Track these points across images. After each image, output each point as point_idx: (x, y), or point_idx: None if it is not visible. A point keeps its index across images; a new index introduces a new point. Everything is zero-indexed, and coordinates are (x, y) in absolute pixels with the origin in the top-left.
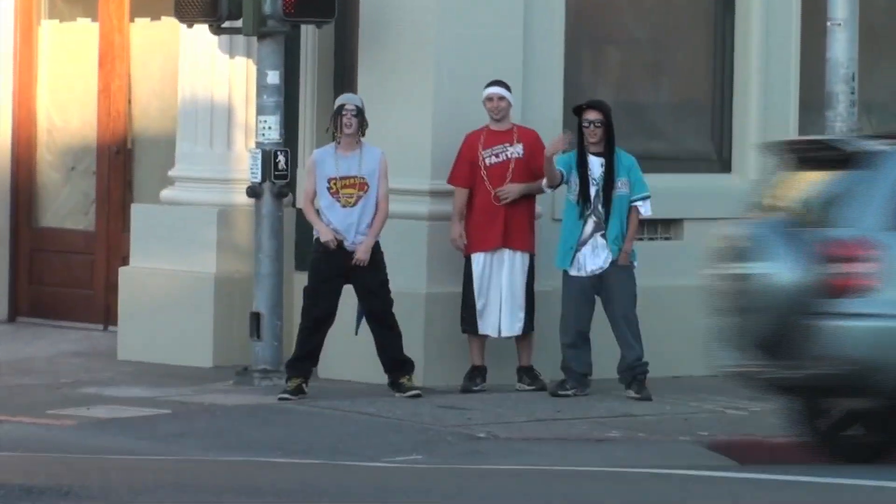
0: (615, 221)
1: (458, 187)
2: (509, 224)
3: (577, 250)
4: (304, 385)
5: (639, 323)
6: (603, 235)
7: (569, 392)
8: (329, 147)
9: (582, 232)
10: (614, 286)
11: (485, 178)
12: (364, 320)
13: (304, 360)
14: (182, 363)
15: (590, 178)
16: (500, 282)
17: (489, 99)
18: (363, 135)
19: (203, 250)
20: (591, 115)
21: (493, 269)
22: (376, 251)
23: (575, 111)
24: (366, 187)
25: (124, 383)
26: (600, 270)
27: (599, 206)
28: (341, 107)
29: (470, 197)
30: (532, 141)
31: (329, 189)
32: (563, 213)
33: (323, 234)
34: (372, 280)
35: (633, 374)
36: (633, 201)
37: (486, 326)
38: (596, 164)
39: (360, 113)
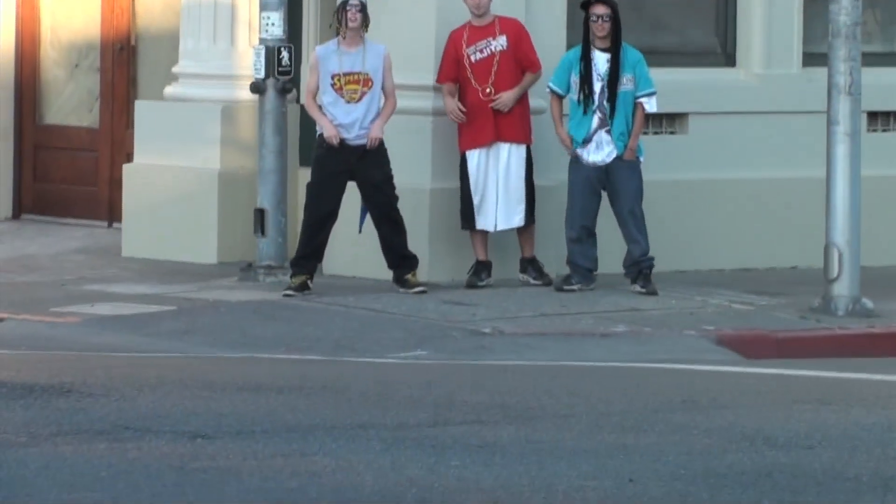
0: (620, 117)
1: (446, 84)
2: (501, 117)
3: (582, 146)
4: (308, 281)
5: (644, 218)
6: (608, 131)
7: (574, 287)
8: (332, 43)
9: (588, 128)
10: (620, 181)
11: (470, 76)
12: (368, 216)
13: (309, 257)
14: (186, 260)
15: (594, 74)
16: (497, 176)
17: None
18: (366, 30)
19: (207, 147)
20: (600, 10)
21: (488, 164)
22: (381, 147)
23: (582, 5)
24: (370, 83)
25: (128, 280)
26: (603, 164)
27: (604, 102)
28: (346, 2)
29: (460, 94)
30: (515, 31)
31: (333, 85)
32: (569, 108)
33: (326, 129)
34: (376, 175)
35: (639, 268)
36: (638, 97)
37: (484, 221)
38: (601, 60)
39: (363, 8)
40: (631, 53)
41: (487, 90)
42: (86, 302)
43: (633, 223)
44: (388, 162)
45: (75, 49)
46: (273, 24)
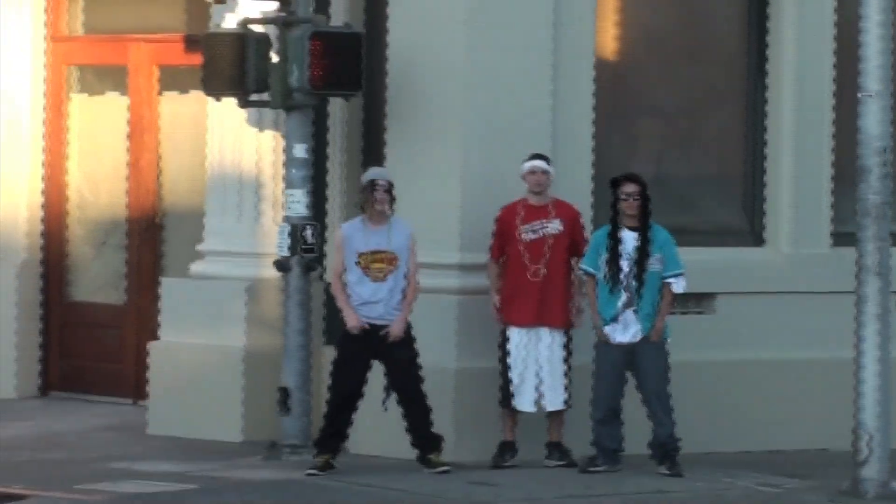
0: (647, 297)
1: (493, 261)
2: (545, 301)
3: (609, 326)
4: (332, 461)
5: (671, 399)
6: (634, 311)
7: (599, 468)
8: (357, 221)
9: (615, 307)
10: (646, 362)
11: (523, 254)
12: (393, 395)
13: (333, 436)
14: (212, 438)
15: (622, 253)
16: (538, 356)
17: (531, 172)
18: (393, 209)
19: (232, 324)
20: (629, 188)
21: (529, 344)
22: (407, 327)
23: (611, 184)
24: (396, 262)
25: (154, 458)
26: (630, 345)
27: (632, 281)
28: (373, 182)
29: (507, 270)
30: (571, 217)
31: (359, 264)
32: (597, 287)
33: (349, 319)
34: (402, 355)
35: (665, 450)
36: (665, 278)
37: (523, 402)
38: (630, 239)
39: (390, 187)
40: (660, 233)
41: (539, 271)
42: (111, 480)
43: (658, 405)
44: (414, 343)
45: (102, 227)
46: (297, 202)
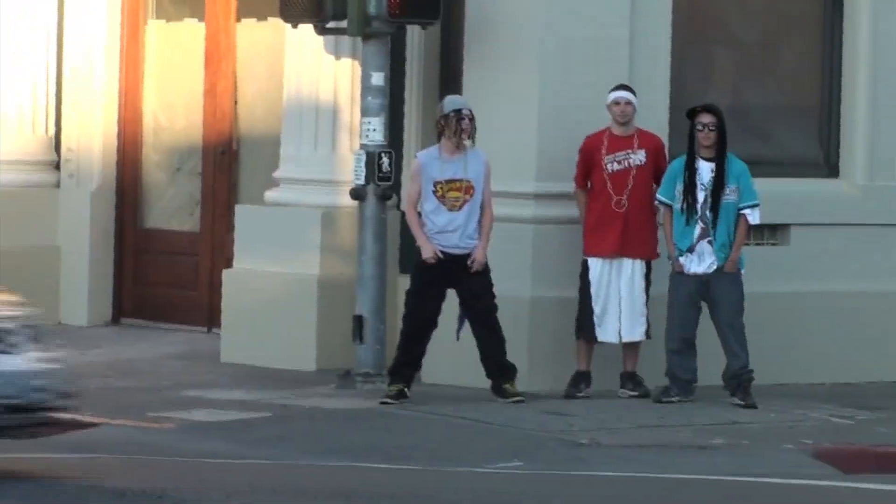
0: (722, 228)
1: (580, 190)
2: (628, 231)
3: (685, 256)
4: (406, 390)
5: (745, 330)
6: (709, 241)
7: (673, 399)
8: (433, 150)
9: (691, 238)
10: (720, 293)
11: (607, 184)
12: (466, 324)
13: (407, 365)
14: (285, 366)
15: (698, 184)
16: (619, 287)
17: (616, 103)
18: (473, 142)
19: (307, 252)
20: (706, 119)
21: (611, 275)
22: (485, 270)
23: (688, 114)
24: (472, 191)
25: (226, 386)
26: (704, 276)
27: (707, 212)
28: (459, 111)
29: (591, 198)
30: (655, 147)
31: (435, 193)
32: (673, 217)
33: (425, 249)
34: (477, 284)
35: (739, 381)
36: (741, 209)
37: (605, 333)
38: (706, 170)
39: (473, 118)
40: (735, 164)
41: (622, 202)
42: (182, 408)
43: (733, 336)
44: (489, 271)
45: (177, 152)
46: (374, 130)
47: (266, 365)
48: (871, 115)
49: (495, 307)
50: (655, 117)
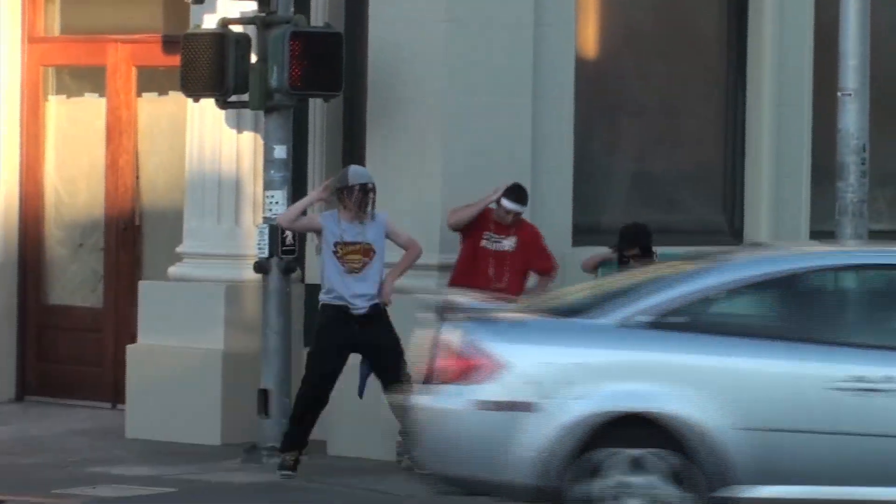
0: None
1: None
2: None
3: None
4: (299, 457)
5: None
6: None
7: None
8: (333, 213)
9: None
10: None
11: (490, 257)
12: (367, 383)
13: (303, 433)
14: (191, 441)
15: None
16: None
17: (507, 212)
18: (372, 216)
19: (211, 327)
20: (632, 252)
21: None
22: (384, 314)
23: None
24: (371, 254)
25: (131, 462)
26: None
27: None
28: (364, 185)
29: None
30: (527, 237)
31: (335, 253)
32: None
33: (313, 195)
34: (384, 337)
35: None
36: None
37: None
38: None
39: (375, 190)
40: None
41: (500, 279)
42: (88, 484)
43: None
44: (392, 325)
45: (79, 228)
46: (277, 203)
47: (171, 440)
48: (773, 182)
49: (405, 363)
50: (560, 186)
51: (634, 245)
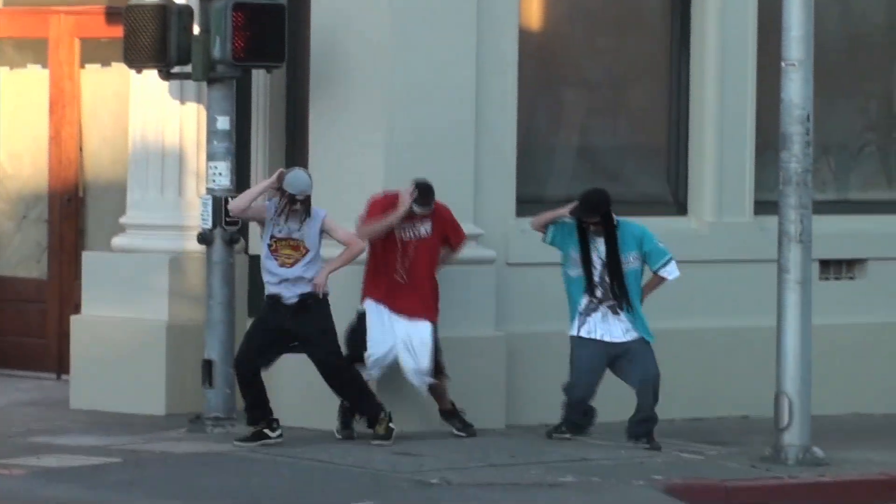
0: (632, 296)
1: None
2: (407, 295)
3: (587, 316)
4: (266, 431)
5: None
6: (610, 307)
7: (566, 436)
8: (277, 201)
9: (591, 302)
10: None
11: (398, 246)
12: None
13: (255, 407)
14: (135, 411)
15: (595, 257)
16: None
17: (415, 211)
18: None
19: (155, 298)
20: (592, 219)
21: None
22: (319, 302)
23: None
24: (303, 250)
25: (76, 432)
26: (613, 342)
27: (606, 278)
28: (293, 196)
29: (377, 248)
30: (441, 219)
31: (269, 246)
32: (568, 287)
33: (265, 183)
34: (311, 329)
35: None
36: (656, 271)
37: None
38: (599, 240)
39: (307, 200)
40: (630, 229)
41: (405, 267)
42: (32, 454)
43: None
44: (326, 316)
45: (23, 200)
46: (220, 174)
47: (116, 410)
48: (718, 153)
49: (335, 352)
50: (503, 160)
51: (595, 213)
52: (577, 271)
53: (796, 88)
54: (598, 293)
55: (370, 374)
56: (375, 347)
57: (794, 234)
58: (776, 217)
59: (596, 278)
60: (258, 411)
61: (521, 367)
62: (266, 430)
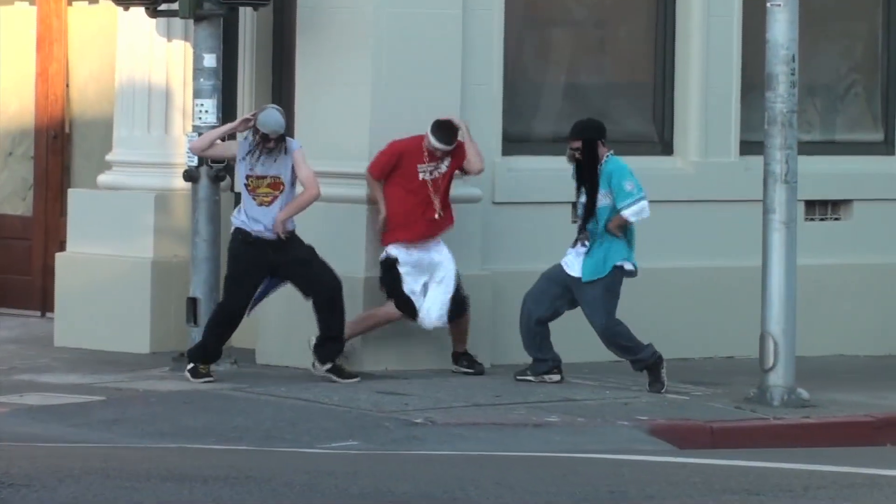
0: (598, 231)
1: (376, 181)
2: (436, 224)
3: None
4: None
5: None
6: (584, 244)
7: (530, 378)
8: (249, 141)
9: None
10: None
11: (428, 185)
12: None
13: (214, 354)
14: (119, 349)
15: (579, 192)
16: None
17: (435, 149)
18: (285, 150)
19: (140, 235)
20: (574, 144)
21: (420, 263)
22: (294, 236)
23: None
24: (281, 186)
25: (60, 370)
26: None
27: (579, 212)
28: (265, 135)
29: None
30: (459, 158)
31: (247, 186)
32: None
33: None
34: (303, 254)
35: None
36: (619, 209)
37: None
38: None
39: (281, 138)
40: (608, 165)
41: (437, 203)
42: (15, 392)
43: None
44: (304, 244)
45: (9, 137)
46: (207, 112)
47: (100, 348)
48: (703, 93)
49: (337, 287)
50: (490, 98)
51: (576, 136)
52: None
53: (782, 28)
54: (578, 229)
55: (440, 322)
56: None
57: (780, 175)
58: (762, 157)
59: (579, 213)
60: (217, 351)
61: (506, 306)
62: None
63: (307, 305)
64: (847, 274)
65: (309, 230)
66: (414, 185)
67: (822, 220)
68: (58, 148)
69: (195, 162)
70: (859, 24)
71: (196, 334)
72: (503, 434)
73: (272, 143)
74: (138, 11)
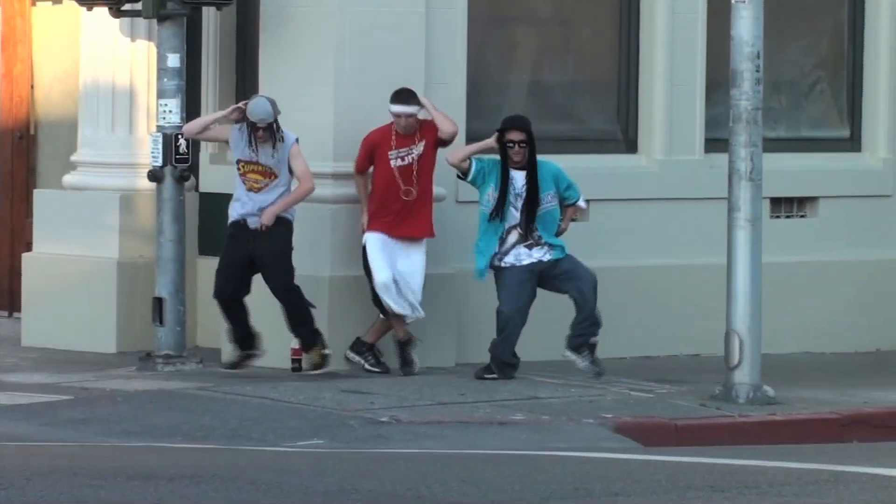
0: (545, 234)
1: (360, 175)
2: (410, 216)
3: (501, 258)
4: (252, 351)
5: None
6: (528, 246)
7: (493, 376)
8: (244, 128)
9: (503, 244)
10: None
11: (395, 174)
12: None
13: (235, 332)
14: (86, 349)
15: (513, 193)
16: (399, 265)
17: (397, 116)
18: (280, 140)
19: (106, 235)
20: (516, 136)
21: (393, 252)
22: (276, 226)
23: (498, 131)
24: (272, 176)
25: (27, 369)
26: (540, 262)
27: (523, 220)
28: (254, 124)
29: (381, 186)
30: (432, 135)
31: (238, 170)
32: (480, 225)
33: (222, 113)
34: (266, 252)
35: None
36: (570, 204)
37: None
38: (519, 177)
39: (271, 126)
40: (548, 167)
41: (411, 192)
42: None
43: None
44: (282, 240)
45: None
46: (171, 112)
47: (67, 348)
48: (668, 91)
49: (287, 276)
50: (452, 93)
51: (521, 129)
52: (488, 208)
53: (746, 25)
54: (515, 234)
55: (415, 314)
56: (380, 272)
57: (745, 172)
58: (727, 155)
59: (514, 218)
60: (246, 335)
61: (470, 305)
62: (252, 351)
63: (271, 304)
64: (813, 271)
65: None
66: (387, 174)
67: (787, 217)
68: (23, 149)
69: (160, 162)
70: (825, 20)
71: (162, 334)
72: (468, 432)
73: (262, 132)
74: (102, 11)
